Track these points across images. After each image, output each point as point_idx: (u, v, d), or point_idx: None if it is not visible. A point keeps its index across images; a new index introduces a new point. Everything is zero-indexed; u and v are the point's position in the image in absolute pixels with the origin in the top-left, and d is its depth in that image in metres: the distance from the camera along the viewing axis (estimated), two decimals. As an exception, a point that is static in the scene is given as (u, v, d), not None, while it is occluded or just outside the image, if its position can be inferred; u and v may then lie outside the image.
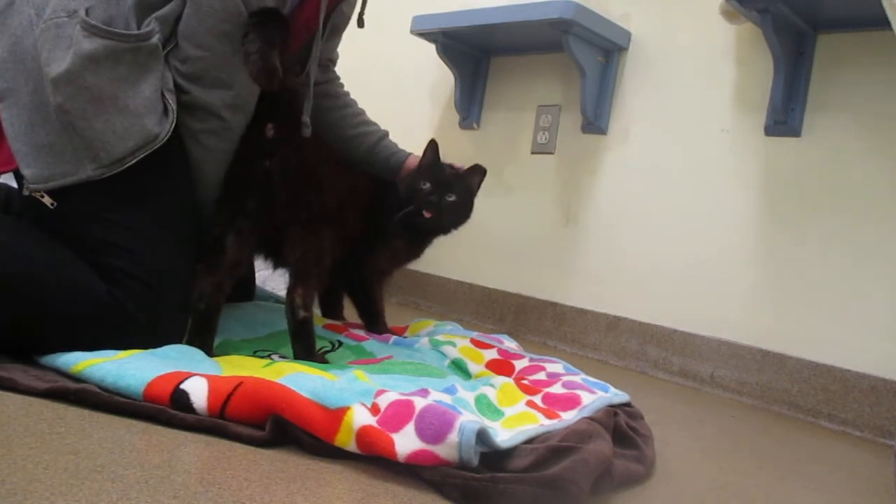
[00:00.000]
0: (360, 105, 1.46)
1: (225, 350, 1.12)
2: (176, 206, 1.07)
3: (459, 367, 1.22)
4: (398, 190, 1.36)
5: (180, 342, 1.05)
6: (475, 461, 0.76)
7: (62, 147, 1.00)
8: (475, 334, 1.39)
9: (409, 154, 1.41)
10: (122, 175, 1.00)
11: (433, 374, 1.06)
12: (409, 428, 0.78)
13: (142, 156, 1.01)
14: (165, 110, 1.04)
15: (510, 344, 1.38)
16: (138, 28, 1.03)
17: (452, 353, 1.24)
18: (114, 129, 0.99)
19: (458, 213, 1.35)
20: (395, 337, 1.33)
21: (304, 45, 1.26)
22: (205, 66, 1.06)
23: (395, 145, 1.43)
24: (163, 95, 1.04)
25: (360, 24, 1.35)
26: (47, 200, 1.01)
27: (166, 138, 1.02)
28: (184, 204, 1.09)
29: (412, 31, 2.15)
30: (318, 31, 1.20)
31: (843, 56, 1.58)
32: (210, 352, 1.06)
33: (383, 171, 1.40)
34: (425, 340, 1.30)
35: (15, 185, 1.12)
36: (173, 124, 1.03)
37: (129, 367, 0.86)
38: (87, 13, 1.00)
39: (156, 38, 1.03)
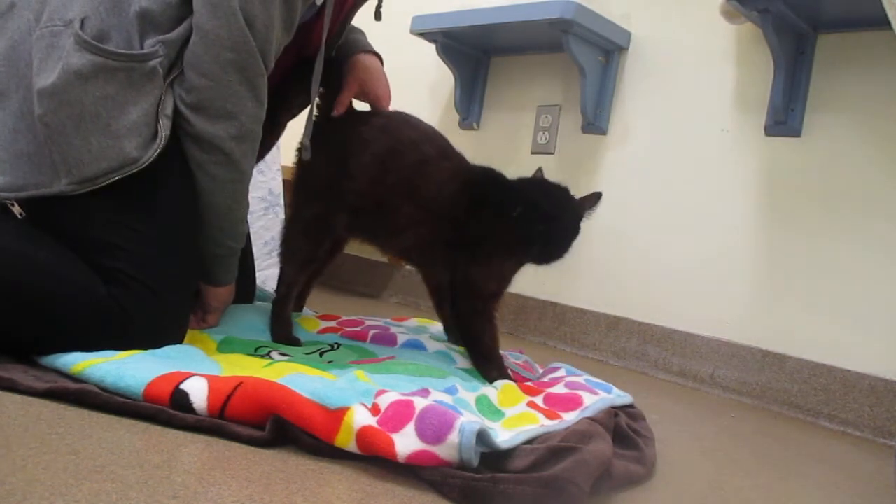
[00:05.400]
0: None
1: (225, 349, 1.12)
2: (176, 213, 1.05)
3: (468, 370, 1.21)
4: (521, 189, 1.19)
5: (180, 343, 1.05)
6: (475, 461, 0.76)
7: (40, 158, 0.98)
8: None
9: (358, 53, 1.34)
10: (118, 186, 0.98)
11: (434, 375, 1.06)
12: (410, 428, 0.77)
13: (116, 178, 0.97)
14: (155, 135, 1.00)
15: (516, 361, 1.37)
16: (141, 45, 1.00)
17: (463, 361, 1.23)
18: (90, 148, 0.96)
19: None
20: (407, 339, 1.30)
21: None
22: (210, 96, 1.02)
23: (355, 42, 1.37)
24: (157, 120, 1.00)
25: (378, 16, 1.34)
26: (16, 210, 0.99)
27: (147, 163, 0.98)
28: (185, 211, 1.07)
29: (412, 31, 2.15)
30: (321, 51, 1.18)
31: (843, 56, 1.58)
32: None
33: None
34: (435, 344, 1.29)
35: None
36: (157, 151, 0.99)
37: (128, 368, 0.86)
38: (82, 24, 0.97)
39: (155, 62, 0.99)
